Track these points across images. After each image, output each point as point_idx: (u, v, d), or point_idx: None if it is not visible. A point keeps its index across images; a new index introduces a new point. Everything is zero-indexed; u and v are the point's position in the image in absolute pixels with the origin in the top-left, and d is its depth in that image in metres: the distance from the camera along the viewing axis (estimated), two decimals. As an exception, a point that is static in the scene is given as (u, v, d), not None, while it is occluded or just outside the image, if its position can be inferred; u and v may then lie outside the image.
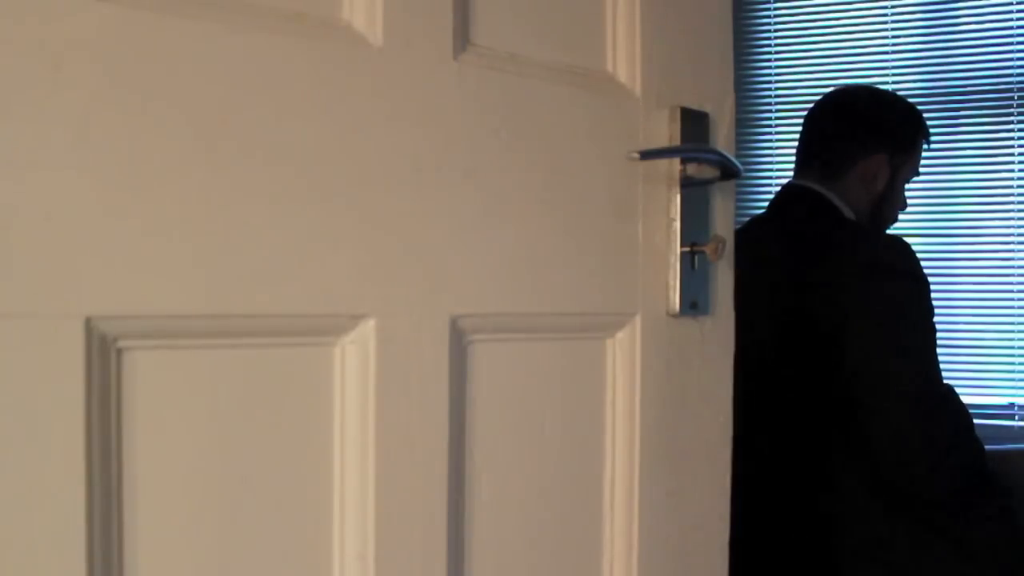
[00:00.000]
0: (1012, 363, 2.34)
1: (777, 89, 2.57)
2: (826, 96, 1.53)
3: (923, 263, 1.34)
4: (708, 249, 0.81)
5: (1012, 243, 2.34)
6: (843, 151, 1.45)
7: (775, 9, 2.57)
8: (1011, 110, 2.36)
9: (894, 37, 2.46)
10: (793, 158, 1.54)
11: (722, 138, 0.86)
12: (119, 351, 0.55)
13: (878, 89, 1.66)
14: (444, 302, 0.69)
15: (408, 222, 0.67)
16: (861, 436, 1.28)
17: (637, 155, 0.77)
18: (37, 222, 0.52)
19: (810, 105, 1.55)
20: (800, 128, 1.54)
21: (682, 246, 0.82)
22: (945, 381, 1.29)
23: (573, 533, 0.79)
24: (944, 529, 1.28)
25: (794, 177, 1.52)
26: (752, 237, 1.43)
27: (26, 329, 0.51)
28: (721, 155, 0.81)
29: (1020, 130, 2.35)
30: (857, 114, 1.48)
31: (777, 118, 2.55)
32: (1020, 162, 2.35)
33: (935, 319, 1.30)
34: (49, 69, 0.52)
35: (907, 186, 1.52)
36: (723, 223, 0.86)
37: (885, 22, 2.47)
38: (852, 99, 1.53)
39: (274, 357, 0.62)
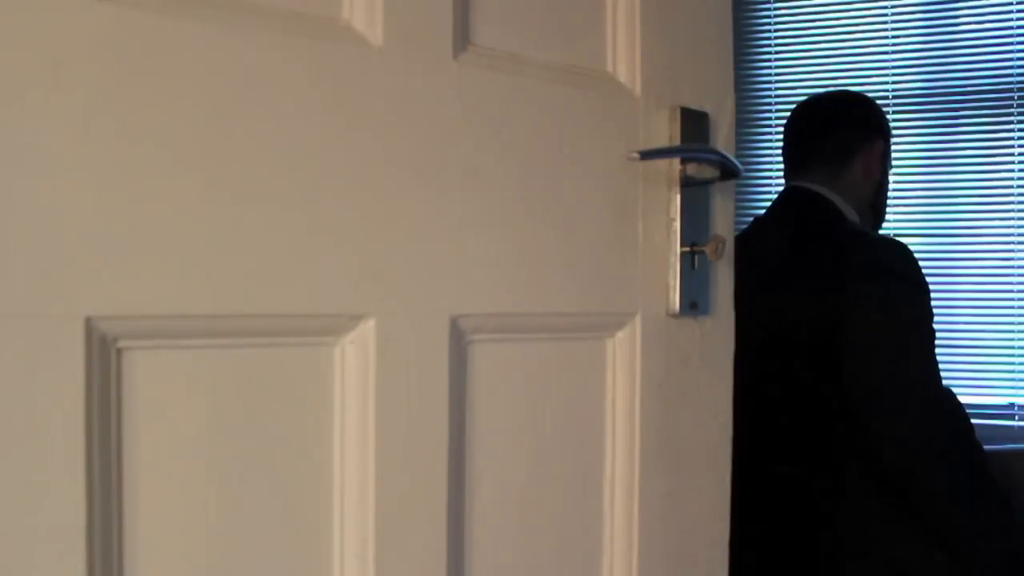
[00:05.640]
0: (1012, 363, 2.34)
1: (777, 89, 2.57)
2: (805, 104, 1.56)
3: (923, 263, 1.34)
4: (708, 249, 0.81)
5: (1012, 243, 2.34)
6: (845, 144, 1.49)
7: (775, 9, 2.57)
8: (1011, 110, 2.36)
9: (894, 37, 2.46)
10: (792, 159, 1.55)
11: (722, 138, 0.86)
12: (119, 351, 0.55)
13: (845, 89, 1.72)
14: (444, 302, 0.69)
15: (408, 222, 0.67)
16: (860, 435, 1.28)
17: (637, 155, 0.77)
18: (37, 222, 0.52)
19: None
20: (787, 134, 1.56)
21: (682, 246, 0.82)
22: (944, 383, 1.29)
23: (573, 533, 0.79)
24: (942, 533, 1.28)
25: (790, 180, 1.52)
26: (754, 239, 1.44)
27: (26, 329, 0.51)
28: (721, 155, 0.81)
29: (1020, 130, 2.35)
30: (849, 109, 1.53)
31: (777, 118, 2.55)
32: (1020, 162, 2.35)
33: (935, 322, 1.31)
34: (49, 69, 0.52)
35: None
36: (723, 223, 0.86)
37: (885, 22, 2.47)
38: (837, 98, 1.58)
39: (274, 357, 0.62)
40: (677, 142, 0.81)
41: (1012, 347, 2.34)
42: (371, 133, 0.65)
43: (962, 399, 1.31)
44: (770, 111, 2.57)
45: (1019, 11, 2.35)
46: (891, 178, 1.58)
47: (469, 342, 0.72)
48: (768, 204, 1.56)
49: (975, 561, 1.27)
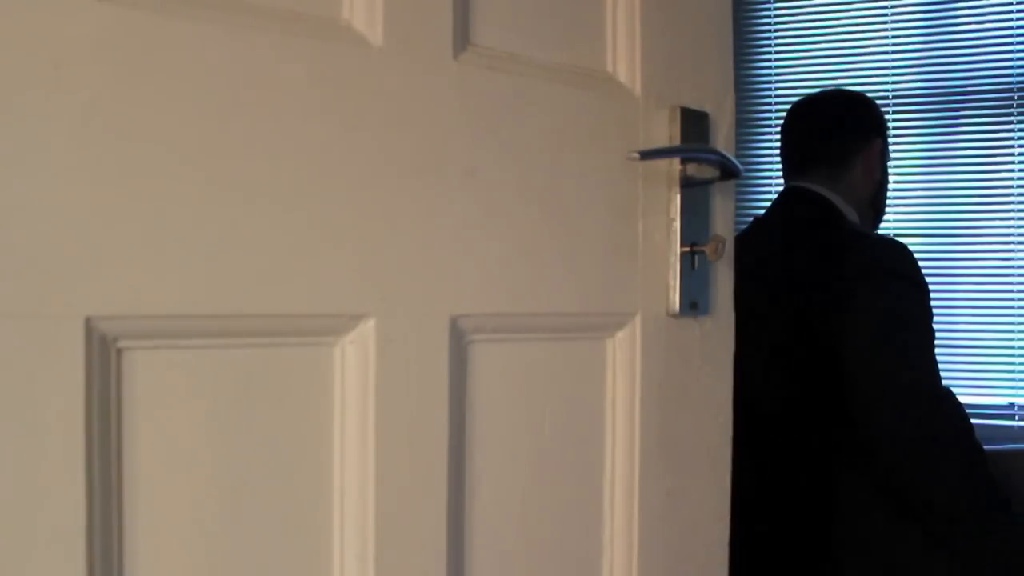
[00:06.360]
0: (1012, 363, 2.34)
1: (777, 89, 2.57)
2: (803, 103, 1.55)
3: (923, 263, 1.34)
4: (708, 249, 0.81)
5: (1012, 243, 2.34)
6: (845, 145, 1.49)
7: (775, 9, 2.57)
8: (1011, 110, 2.36)
9: (894, 37, 2.46)
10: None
11: (722, 138, 0.86)
12: (119, 351, 0.55)
13: (843, 88, 1.71)
14: (444, 302, 0.69)
15: (408, 222, 0.67)
16: (861, 436, 1.28)
17: (637, 155, 0.77)
18: (37, 222, 0.52)
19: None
20: (785, 134, 1.56)
21: (682, 246, 0.82)
22: (944, 383, 1.29)
23: (573, 533, 0.79)
24: (943, 534, 1.28)
25: (789, 179, 1.52)
26: (754, 240, 1.44)
27: (26, 329, 0.51)
28: (721, 155, 0.81)
29: (1020, 130, 2.35)
30: (848, 108, 1.53)
31: (777, 118, 2.55)
32: (1020, 162, 2.35)
33: (935, 322, 1.31)
34: (49, 69, 0.52)
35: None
36: (723, 223, 0.86)
37: (885, 22, 2.47)
38: (835, 97, 1.57)
39: (274, 357, 0.62)
40: (677, 142, 0.81)
41: (1012, 347, 2.34)
42: (371, 133, 0.65)
43: (962, 399, 1.31)
44: (770, 111, 2.57)
45: (1019, 11, 2.35)
46: (891, 178, 1.58)
47: (469, 342, 0.72)
48: (768, 204, 1.56)
49: (975, 560, 1.27)
